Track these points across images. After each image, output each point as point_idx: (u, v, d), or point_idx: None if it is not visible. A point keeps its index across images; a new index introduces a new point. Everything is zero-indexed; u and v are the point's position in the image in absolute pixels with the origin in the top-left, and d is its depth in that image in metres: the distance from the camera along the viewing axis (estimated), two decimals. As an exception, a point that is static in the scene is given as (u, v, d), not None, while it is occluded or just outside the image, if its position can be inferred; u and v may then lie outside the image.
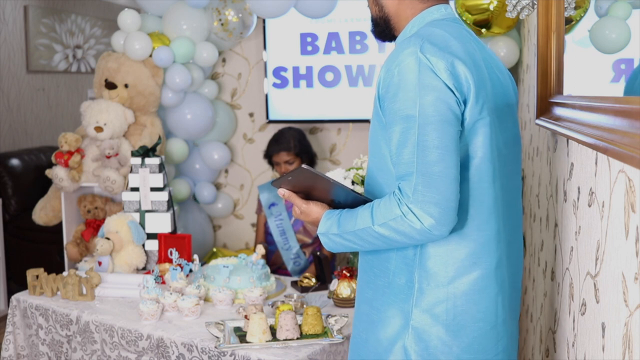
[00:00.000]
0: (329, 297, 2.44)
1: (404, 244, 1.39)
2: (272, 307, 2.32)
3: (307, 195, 1.52)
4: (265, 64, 3.91)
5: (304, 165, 1.42)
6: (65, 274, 2.59)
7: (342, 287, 2.37)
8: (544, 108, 1.82)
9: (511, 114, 1.54)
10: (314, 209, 1.50)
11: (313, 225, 1.53)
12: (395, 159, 1.37)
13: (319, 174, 1.43)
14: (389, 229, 1.35)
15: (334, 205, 1.51)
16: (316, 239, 3.34)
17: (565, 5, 1.64)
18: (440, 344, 1.41)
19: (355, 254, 2.55)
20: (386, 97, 1.39)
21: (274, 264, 3.37)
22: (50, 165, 3.40)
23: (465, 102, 1.36)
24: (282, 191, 1.51)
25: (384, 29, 1.58)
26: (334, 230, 1.45)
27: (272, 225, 3.35)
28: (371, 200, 1.44)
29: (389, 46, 1.66)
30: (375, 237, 1.38)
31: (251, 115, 4.11)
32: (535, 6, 1.86)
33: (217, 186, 4.19)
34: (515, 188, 1.55)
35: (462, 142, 1.38)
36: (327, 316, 2.15)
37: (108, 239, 2.68)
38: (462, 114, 1.37)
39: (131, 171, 2.86)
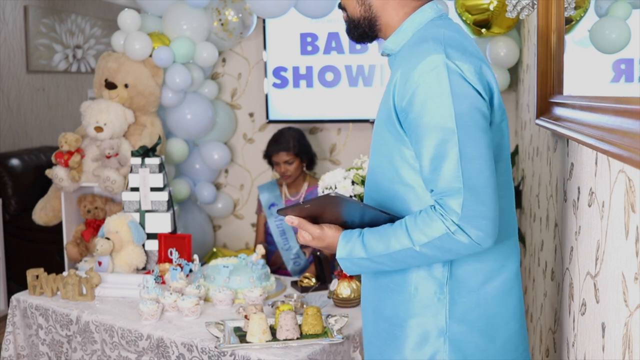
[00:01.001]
0: (329, 297, 2.44)
1: (444, 260, 1.34)
2: (272, 307, 2.32)
3: (315, 219, 1.43)
4: (265, 64, 3.91)
5: (331, 193, 1.31)
6: (65, 274, 2.59)
7: (342, 287, 2.37)
8: (544, 108, 1.82)
9: None
10: (329, 233, 1.41)
11: (328, 249, 1.43)
12: (430, 174, 1.29)
13: (349, 200, 1.34)
14: (433, 248, 1.29)
15: (347, 226, 1.43)
16: (316, 239, 3.33)
17: (565, 5, 1.64)
18: (478, 350, 1.38)
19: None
20: (410, 108, 1.29)
21: (274, 264, 3.37)
22: (50, 165, 3.40)
23: (491, 105, 1.33)
24: (291, 219, 1.40)
25: (366, 31, 1.47)
26: (360, 254, 1.36)
27: (272, 226, 3.35)
28: (397, 217, 1.36)
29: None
30: (414, 257, 1.32)
31: (251, 115, 4.11)
32: (535, 6, 1.86)
33: (217, 186, 4.19)
34: None
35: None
36: (327, 316, 2.15)
37: (108, 239, 2.68)
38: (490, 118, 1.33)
39: (131, 171, 2.86)
